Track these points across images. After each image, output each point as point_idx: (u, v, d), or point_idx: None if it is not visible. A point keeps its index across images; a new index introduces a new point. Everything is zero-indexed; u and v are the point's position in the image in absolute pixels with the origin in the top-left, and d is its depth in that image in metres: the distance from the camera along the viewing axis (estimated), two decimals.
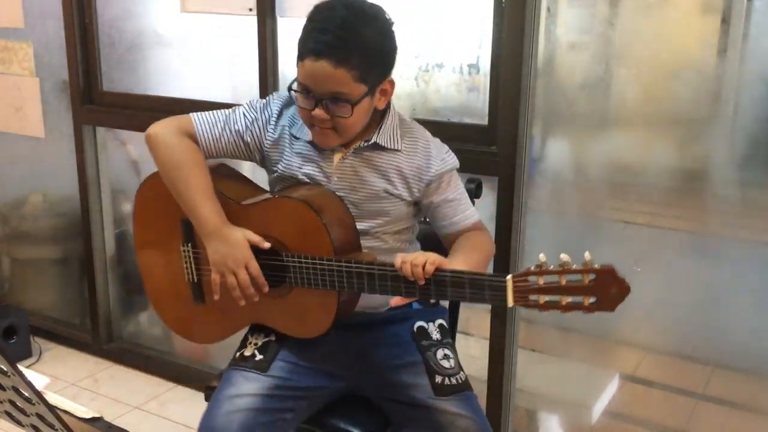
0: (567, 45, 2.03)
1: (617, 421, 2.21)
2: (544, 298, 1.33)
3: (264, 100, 1.73)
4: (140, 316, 3.23)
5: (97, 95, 2.92)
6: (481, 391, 2.26)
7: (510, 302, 1.36)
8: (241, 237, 1.57)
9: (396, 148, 1.64)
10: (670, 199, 1.99)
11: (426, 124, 2.25)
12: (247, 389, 1.59)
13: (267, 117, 1.69)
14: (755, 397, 2.02)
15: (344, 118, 1.54)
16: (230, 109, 1.72)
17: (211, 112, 1.71)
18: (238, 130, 1.69)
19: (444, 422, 1.54)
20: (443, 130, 2.22)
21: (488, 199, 2.12)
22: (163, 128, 1.67)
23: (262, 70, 2.46)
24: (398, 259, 1.44)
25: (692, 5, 1.88)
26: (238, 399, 1.57)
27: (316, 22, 1.52)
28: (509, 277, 1.36)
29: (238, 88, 2.61)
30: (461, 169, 2.09)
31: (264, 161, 1.73)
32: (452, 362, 1.66)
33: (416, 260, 1.42)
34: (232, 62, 2.65)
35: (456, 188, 1.69)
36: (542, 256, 1.33)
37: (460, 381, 1.62)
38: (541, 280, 1.33)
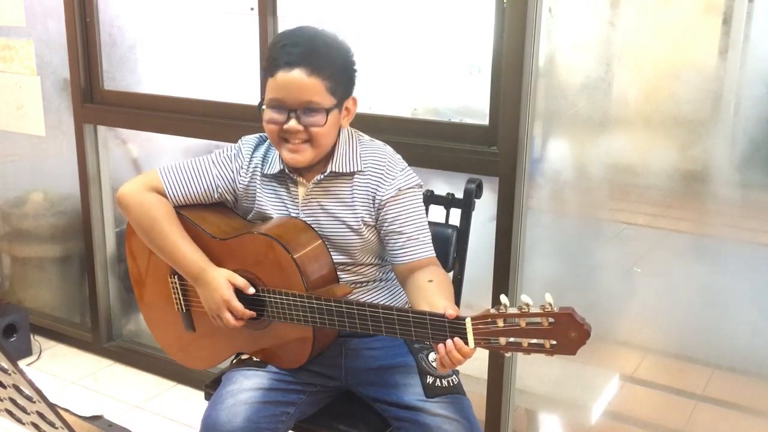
0: (568, 45, 2.03)
1: (617, 422, 2.21)
2: (505, 340, 1.34)
3: (235, 148, 1.73)
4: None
5: (98, 94, 2.92)
6: (481, 391, 2.27)
7: (471, 344, 1.36)
8: (222, 279, 1.59)
9: (354, 170, 1.64)
10: (671, 199, 1.99)
11: (427, 124, 2.26)
12: (248, 385, 1.61)
13: (239, 164, 1.70)
14: (755, 398, 2.02)
15: (319, 128, 1.56)
16: (199, 158, 1.71)
17: (178, 163, 1.71)
18: (210, 182, 1.69)
19: (432, 424, 1.54)
20: (444, 130, 2.23)
21: (489, 199, 2.12)
22: (130, 188, 1.69)
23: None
24: (439, 365, 1.41)
25: (693, 6, 1.88)
26: (240, 394, 1.58)
27: (284, 40, 1.57)
28: (468, 319, 1.36)
29: (239, 88, 2.62)
30: (462, 170, 2.11)
31: (237, 205, 1.75)
32: None
33: (450, 356, 1.38)
34: (233, 61, 2.65)
35: (408, 216, 1.62)
36: (503, 298, 1.33)
37: (452, 384, 1.62)
38: (501, 323, 1.33)
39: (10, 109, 3.16)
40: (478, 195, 1.93)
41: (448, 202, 1.93)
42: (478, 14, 2.15)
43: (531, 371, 2.29)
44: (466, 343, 1.36)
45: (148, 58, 2.90)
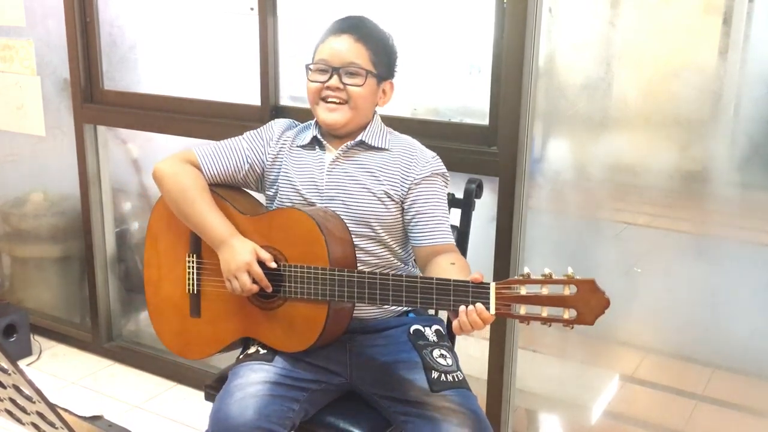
0: (568, 45, 2.03)
1: (617, 422, 2.21)
2: (525, 309, 1.36)
3: (266, 125, 1.83)
4: (140, 315, 3.24)
5: (98, 94, 2.92)
6: (481, 391, 2.27)
7: (492, 309, 1.39)
8: (248, 246, 1.64)
9: (384, 147, 1.74)
10: (671, 199, 1.99)
11: (427, 124, 2.26)
12: (255, 378, 1.62)
13: (269, 137, 1.80)
14: (755, 398, 2.02)
15: (357, 88, 1.69)
16: (230, 139, 1.81)
17: (211, 142, 1.80)
18: (241, 153, 1.78)
19: (439, 417, 1.55)
20: (444, 130, 2.23)
21: (489, 199, 2.12)
22: (166, 161, 1.77)
23: (263, 69, 2.47)
24: (456, 328, 1.44)
25: (693, 6, 1.88)
26: (248, 387, 1.59)
27: (339, 18, 1.75)
28: (493, 283, 1.39)
29: (239, 88, 2.61)
30: (462, 170, 2.11)
31: (263, 180, 1.80)
32: (449, 361, 1.68)
33: (470, 317, 1.41)
34: (233, 61, 2.65)
35: (438, 201, 1.72)
36: (526, 268, 1.37)
37: (457, 379, 1.64)
38: (523, 290, 1.36)
39: (10, 109, 3.16)
40: (478, 195, 1.93)
41: (448, 202, 1.93)
42: (478, 14, 2.15)
43: (531, 371, 2.29)
44: (488, 308, 1.39)
45: (148, 58, 2.90)
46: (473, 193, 1.91)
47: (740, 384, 2.05)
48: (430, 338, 1.73)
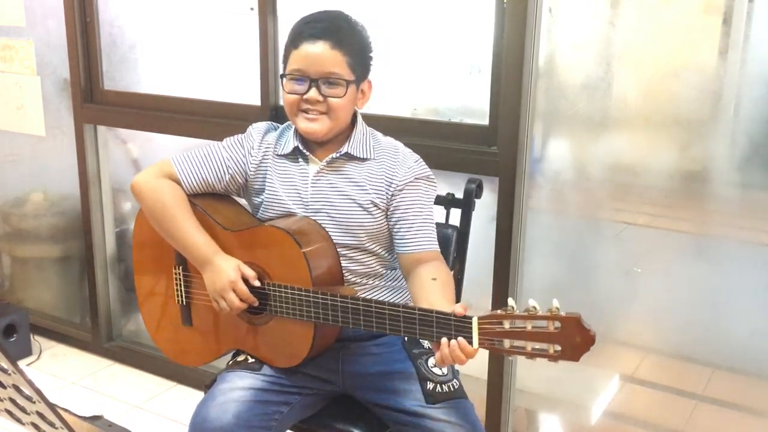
0: (568, 45, 2.03)
1: (617, 422, 2.21)
2: (509, 343, 1.33)
3: (245, 133, 1.76)
4: (140, 315, 3.23)
5: (98, 94, 2.92)
6: (481, 391, 2.27)
7: (475, 344, 1.36)
8: (232, 264, 1.60)
9: (368, 156, 1.69)
10: (671, 199, 1.99)
11: (427, 124, 2.26)
12: (240, 384, 1.61)
13: (250, 145, 1.73)
14: (755, 398, 2.02)
15: (338, 99, 1.62)
16: (209, 145, 1.74)
17: (189, 150, 1.74)
18: (221, 162, 1.71)
19: (435, 430, 1.54)
20: (444, 130, 2.23)
21: (489, 199, 2.12)
22: (144, 175, 1.72)
23: (263, 69, 2.47)
24: (438, 360, 1.42)
25: (693, 6, 1.88)
26: (231, 392, 1.58)
27: (309, 17, 1.65)
28: (475, 318, 1.36)
29: (239, 88, 2.62)
30: (462, 170, 2.11)
31: (247, 188, 1.75)
32: (444, 369, 1.65)
33: (453, 355, 1.39)
34: (233, 61, 2.65)
35: (421, 206, 1.66)
36: (510, 301, 1.33)
37: (452, 388, 1.62)
38: (507, 324, 1.33)
39: (10, 109, 3.16)
40: (478, 195, 1.93)
41: (448, 202, 1.93)
42: (478, 14, 2.15)
43: (531, 371, 2.29)
44: (470, 343, 1.36)
45: (148, 58, 2.90)
46: (473, 193, 1.91)
47: (740, 384, 2.05)
48: (425, 344, 1.71)
